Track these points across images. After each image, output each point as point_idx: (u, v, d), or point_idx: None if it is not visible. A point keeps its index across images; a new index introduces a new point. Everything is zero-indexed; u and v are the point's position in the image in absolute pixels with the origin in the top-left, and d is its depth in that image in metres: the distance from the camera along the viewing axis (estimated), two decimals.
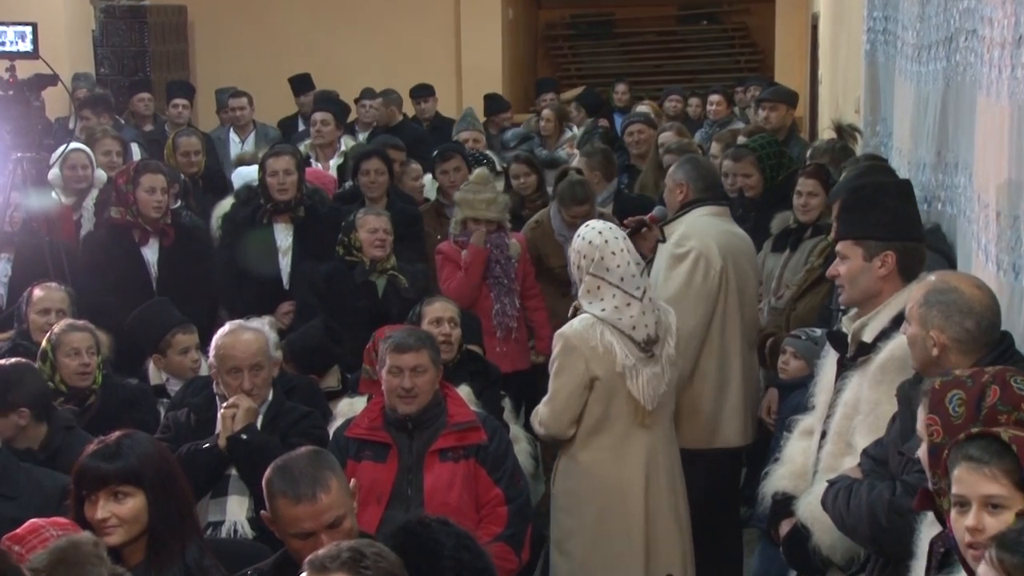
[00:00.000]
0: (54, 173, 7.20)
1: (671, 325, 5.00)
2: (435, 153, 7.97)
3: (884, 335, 3.82)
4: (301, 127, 11.03)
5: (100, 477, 3.44)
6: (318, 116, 8.73)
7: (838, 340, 4.03)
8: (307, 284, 6.52)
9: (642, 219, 5.96)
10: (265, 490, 3.40)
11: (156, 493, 3.48)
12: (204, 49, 14.68)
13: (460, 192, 6.88)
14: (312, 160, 8.65)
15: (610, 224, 5.03)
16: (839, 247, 4.03)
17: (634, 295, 4.83)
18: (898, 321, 3.72)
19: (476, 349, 5.79)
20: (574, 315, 5.03)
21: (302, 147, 8.76)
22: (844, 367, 3.93)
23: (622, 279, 4.83)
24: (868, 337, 3.87)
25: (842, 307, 4.27)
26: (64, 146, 7.36)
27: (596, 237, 4.89)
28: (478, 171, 7.13)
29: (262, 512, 3.49)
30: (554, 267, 6.97)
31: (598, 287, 4.85)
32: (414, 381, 4.58)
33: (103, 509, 3.42)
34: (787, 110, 8.77)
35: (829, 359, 4.10)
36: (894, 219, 3.98)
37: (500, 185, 8.30)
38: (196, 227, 6.93)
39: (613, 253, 4.84)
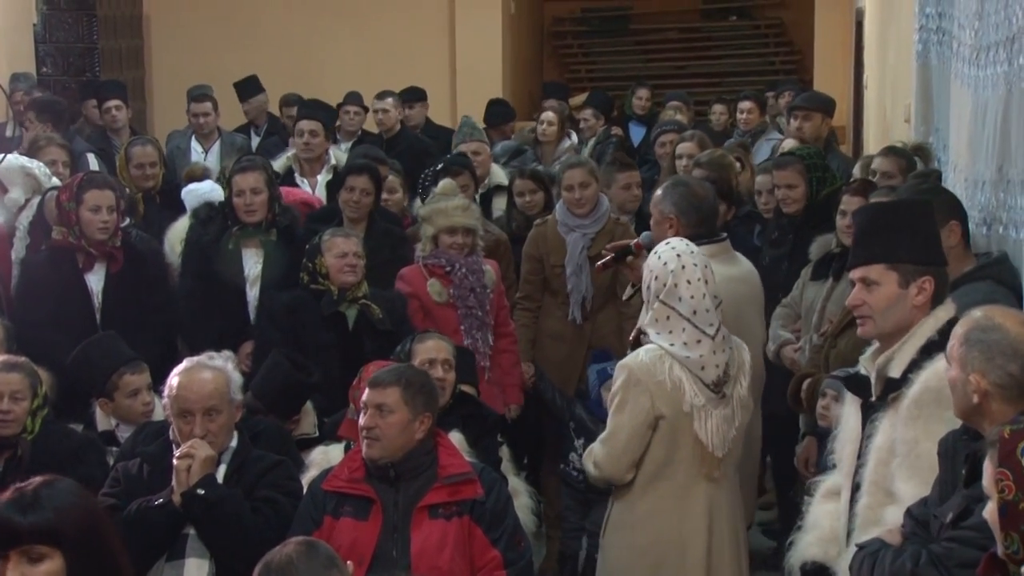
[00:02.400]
0: None
1: (745, 362, 5.06)
2: (439, 167, 7.96)
3: (914, 366, 3.86)
4: (255, 138, 11.04)
5: (13, 534, 3.32)
6: (305, 126, 8.68)
7: (859, 384, 4.06)
8: (267, 316, 6.48)
9: (626, 244, 5.90)
10: None
11: (77, 555, 3.32)
12: (162, 46, 14.73)
13: (427, 206, 6.90)
14: (296, 175, 8.64)
15: (692, 247, 5.04)
16: (864, 272, 4.05)
17: (706, 332, 4.86)
18: (927, 350, 3.80)
19: (469, 390, 5.79)
20: (636, 339, 5.07)
21: (284, 159, 8.79)
22: (873, 410, 3.97)
23: (694, 312, 4.86)
24: (896, 372, 3.91)
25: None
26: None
27: (673, 260, 4.91)
28: (444, 183, 7.15)
29: None
30: (553, 265, 7.07)
31: (667, 317, 4.89)
32: (375, 420, 4.60)
33: (14, 571, 3.28)
34: (823, 119, 8.81)
35: (850, 407, 4.14)
36: (928, 241, 4.05)
37: (503, 203, 8.36)
38: (149, 250, 6.92)
39: (688, 282, 4.88)
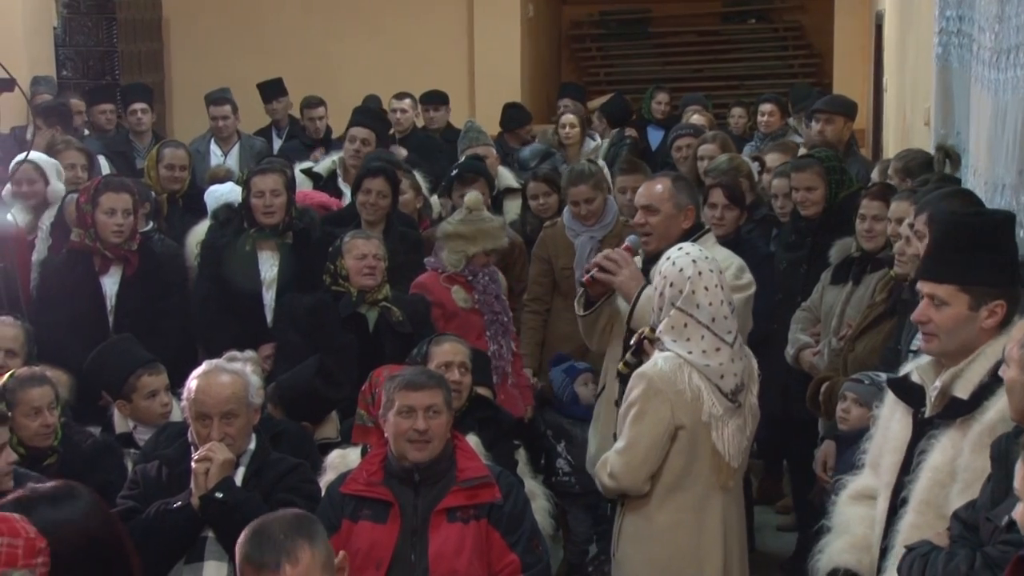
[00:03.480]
0: (8, 189, 7.26)
1: (754, 370, 5.01)
2: (453, 174, 7.94)
3: (986, 390, 3.75)
4: (276, 140, 11.06)
5: None
6: (358, 133, 8.62)
7: (910, 392, 3.98)
8: (288, 318, 6.49)
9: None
10: (236, 552, 3.39)
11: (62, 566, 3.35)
12: (181, 49, 14.78)
13: (463, 223, 6.80)
14: (339, 179, 8.64)
15: (705, 253, 4.98)
16: (932, 289, 3.90)
17: (725, 339, 4.79)
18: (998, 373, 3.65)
19: (485, 392, 5.79)
20: (638, 343, 5.03)
21: (329, 161, 8.79)
22: (930, 425, 3.86)
23: (713, 319, 4.78)
24: (963, 392, 3.80)
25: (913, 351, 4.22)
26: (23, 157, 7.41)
27: (689, 266, 4.83)
28: (471, 197, 7.10)
29: None
30: (562, 267, 7.08)
31: (685, 324, 4.81)
32: (429, 423, 4.60)
33: None
34: (845, 122, 8.78)
35: (896, 412, 4.05)
36: (1006, 262, 3.90)
37: (517, 206, 8.36)
38: (167, 253, 6.95)
39: (706, 288, 4.80)
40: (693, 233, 5.60)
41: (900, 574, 3.64)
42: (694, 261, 4.85)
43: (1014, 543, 3.29)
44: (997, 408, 3.68)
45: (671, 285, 4.85)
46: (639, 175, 7.58)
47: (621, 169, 7.92)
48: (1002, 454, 3.49)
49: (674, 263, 4.89)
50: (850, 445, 5.09)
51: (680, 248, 5.00)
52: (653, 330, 4.99)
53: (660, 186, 5.73)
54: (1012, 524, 3.30)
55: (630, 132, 11.75)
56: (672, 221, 5.65)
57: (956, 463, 3.76)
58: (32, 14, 12.18)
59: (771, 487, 8.14)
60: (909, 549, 3.64)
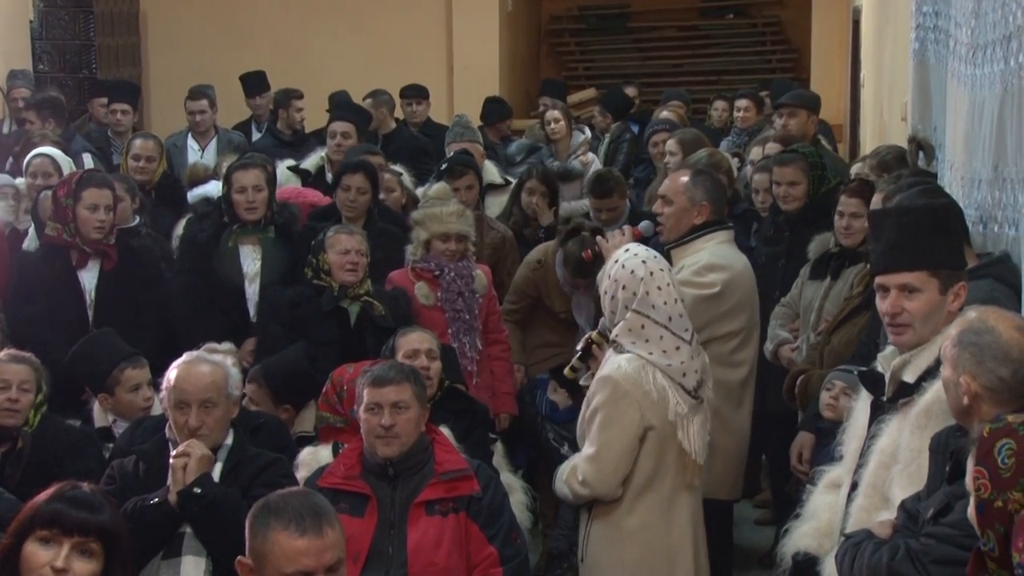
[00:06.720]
0: (22, 181, 7.34)
1: (707, 364, 5.02)
2: (443, 167, 7.92)
3: (929, 374, 3.82)
4: (256, 134, 11.03)
5: (78, 524, 3.35)
6: (338, 127, 8.63)
7: (873, 381, 4.04)
8: (270, 311, 6.50)
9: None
10: (252, 530, 3.39)
11: (115, 563, 3.40)
12: (158, 43, 14.75)
13: (421, 209, 6.86)
14: (327, 173, 8.62)
15: (653, 252, 4.98)
16: (904, 279, 3.95)
17: (683, 338, 4.82)
18: None
19: (459, 387, 5.81)
20: (586, 348, 5.02)
21: (316, 157, 8.77)
22: (881, 410, 3.94)
23: (670, 319, 4.80)
24: (910, 377, 3.87)
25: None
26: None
27: (639, 267, 4.85)
28: (438, 186, 7.10)
29: (239, 559, 3.48)
30: (558, 311, 7.03)
31: (642, 326, 4.82)
32: (395, 418, 4.61)
33: (64, 559, 3.31)
34: (808, 116, 8.84)
35: (862, 402, 4.12)
36: (958, 245, 4.02)
37: (500, 202, 8.35)
38: (145, 248, 6.92)
39: (659, 288, 4.81)
40: (703, 228, 5.68)
41: (836, 561, 3.73)
42: (644, 262, 4.86)
43: (936, 536, 3.36)
44: (934, 389, 3.75)
45: (623, 288, 4.85)
46: (609, 198, 7.64)
47: (593, 195, 7.86)
48: (940, 447, 3.56)
49: (623, 265, 4.89)
50: (829, 437, 5.11)
51: (627, 249, 5.00)
52: (602, 335, 5.00)
53: (679, 179, 5.86)
54: (936, 517, 3.38)
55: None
56: (684, 214, 5.79)
57: (898, 444, 3.83)
58: (8, 7, 12.12)
59: (750, 481, 8.16)
60: (847, 537, 3.73)
